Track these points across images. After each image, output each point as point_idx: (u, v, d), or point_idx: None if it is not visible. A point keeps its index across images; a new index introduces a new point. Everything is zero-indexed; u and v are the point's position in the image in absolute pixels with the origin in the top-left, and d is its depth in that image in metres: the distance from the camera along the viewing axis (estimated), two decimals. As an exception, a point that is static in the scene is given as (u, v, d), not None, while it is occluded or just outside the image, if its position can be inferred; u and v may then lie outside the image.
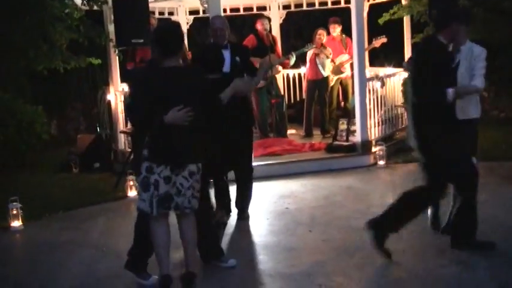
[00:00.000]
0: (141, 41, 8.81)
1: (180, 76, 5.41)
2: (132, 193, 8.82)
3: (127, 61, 9.80)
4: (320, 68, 11.64)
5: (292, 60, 11.55)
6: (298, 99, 13.47)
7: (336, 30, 11.91)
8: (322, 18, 12.47)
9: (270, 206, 8.16)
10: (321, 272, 5.93)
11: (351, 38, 10.43)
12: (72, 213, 8.47)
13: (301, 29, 11.75)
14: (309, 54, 11.70)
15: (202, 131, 5.45)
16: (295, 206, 8.13)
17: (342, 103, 12.29)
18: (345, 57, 11.74)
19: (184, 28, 11.99)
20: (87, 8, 10.14)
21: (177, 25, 5.72)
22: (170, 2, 11.83)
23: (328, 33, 11.95)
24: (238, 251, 6.42)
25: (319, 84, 11.81)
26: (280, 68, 11.98)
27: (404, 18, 12.08)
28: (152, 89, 5.32)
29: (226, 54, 7.17)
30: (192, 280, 5.50)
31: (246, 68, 7.26)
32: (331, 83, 11.88)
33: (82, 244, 7.17)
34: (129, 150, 10.03)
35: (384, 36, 11.75)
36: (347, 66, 11.81)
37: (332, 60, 11.69)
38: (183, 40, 5.59)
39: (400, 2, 11.96)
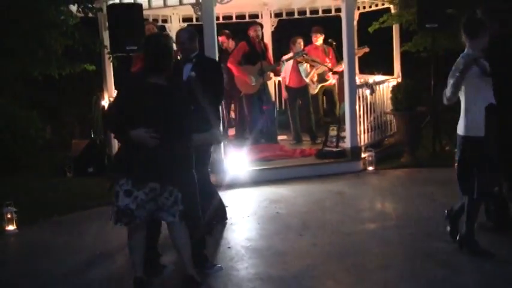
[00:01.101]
0: (135, 48, 8.83)
1: (160, 94, 5.37)
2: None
3: (130, 67, 9.76)
4: (303, 74, 11.66)
5: (283, 67, 11.57)
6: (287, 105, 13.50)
7: (319, 39, 11.93)
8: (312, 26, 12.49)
9: (261, 210, 8.18)
10: (311, 275, 5.95)
11: (342, 46, 10.45)
12: (67, 217, 8.45)
13: (292, 37, 11.78)
14: (290, 61, 11.66)
15: (173, 150, 5.41)
16: (286, 210, 8.14)
17: (328, 107, 12.30)
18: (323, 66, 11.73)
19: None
20: (82, 15, 10.14)
21: (168, 43, 5.69)
22: (164, 10, 11.84)
23: (311, 42, 11.98)
24: (229, 254, 6.43)
25: (301, 91, 11.81)
26: (271, 74, 12.00)
27: (394, 26, 12.12)
28: (131, 101, 5.34)
29: (187, 68, 6.78)
30: (191, 282, 5.61)
31: (204, 83, 6.53)
32: (315, 91, 11.90)
33: (76, 248, 7.16)
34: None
35: (366, 46, 11.78)
36: (330, 74, 11.83)
37: (318, 68, 11.69)
38: (171, 58, 5.56)
39: (390, 10, 12.01)
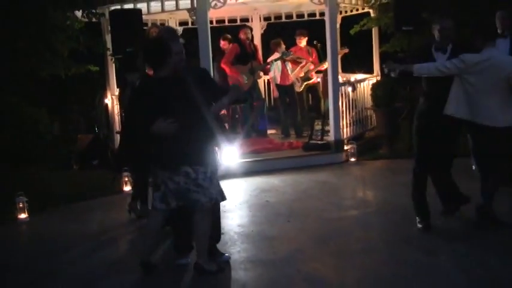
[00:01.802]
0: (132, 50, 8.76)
1: (169, 85, 5.34)
2: (127, 188, 8.79)
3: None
4: (290, 71, 11.64)
5: (273, 67, 11.56)
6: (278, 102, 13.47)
7: (302, 41, 11.88)
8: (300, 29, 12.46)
9: (253, 199, 8.16)
10: (299, 258, 5.94)
11: (326, 47, 10.41)
12: (73, 206, 8.42)
13: (273, 40, 11.80)
14: (278, 63, 11.64)
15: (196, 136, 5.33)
16: (275, 199, 8.13)
17: (312, 103, 12.27)
18: (311, 66, 11.72)
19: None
20: (86, 20, 10.09)
21: (159, 39, 5.63)
22: (162, 15, 11.78)
23: (295, 43, 11.96)
24: (223, 239, 6.39)
25: (288, 88, 11.81)
26: (261, 73, 11.97)
27: (373, 29, 12.10)
28: (152, 98, 5.32)
29: None
30: (200, 269, 5.57)
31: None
32: (300, 89, 11.87)
33: (82, 234, 7.14)
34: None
35: (346, 47, 11.75)
36: (314, 72, 11.81)
37: (299, 65, 11.66)
38: (169, 53, 5.40)
39: (369, 14, 11.98)
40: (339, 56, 11.77)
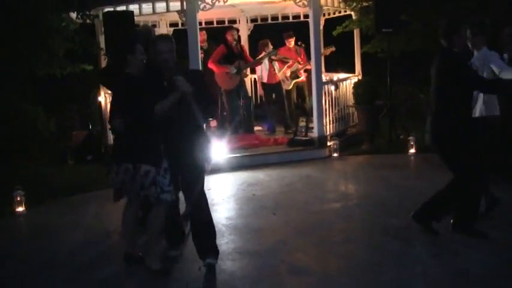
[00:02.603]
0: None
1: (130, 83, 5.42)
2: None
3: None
4: (277, 70, 11.68)
5: (266, 66, 11.65)
6: (264, 100, 13.51)
7: (292, 42, 11.95)
8: (285, 30, 12.49)
9: (240, 192, 8.19)
10: (283, 249, 5.98)
11: (309, 48, 10.46)
12: (69, 199, 8.42)
13: (261, 40, 11.85)
14: (266, 61, 11.70)
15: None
16: (261, 192, 8.17)
17: (298, 101, 12.29)
18: (299, 65, 11.77)
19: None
20: (81, 21, 10.08)
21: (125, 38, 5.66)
22: (153, 16, 11.77)
23: (284, 44, 12.00)
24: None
25: (275, 87, 11.86)
26: (248, 72, 12.00)
27: (355, 31, 12.15)
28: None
29: None
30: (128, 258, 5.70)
31: None
32: (289, 87, 11.91)
33: (77, 226, 7.15)
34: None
35: (333, 46, 11.80)
36: (302, 71, 11.86)
37: (286, 65, 11.71)
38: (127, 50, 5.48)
39: (351, 17, 12.03)
40: (327, 54, 11.84)
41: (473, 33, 6.38)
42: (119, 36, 7.72)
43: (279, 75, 11.70)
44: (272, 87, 11.92)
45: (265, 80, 11.93)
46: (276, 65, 11.65)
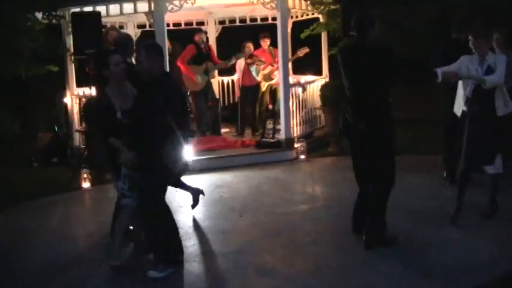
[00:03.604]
0: (93, 51, 8.69)
1: None
2: (86, 185, 8.72)
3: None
4: (254, 74, 11.68)
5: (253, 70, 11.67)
6: (231, 101, 13.51)
7: (267, 43, 11.98)
8: (253, 33, 12.52)
9: (207, 194, 8.11)
10: (251, 251, 5.98)
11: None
12: (34, 203, 8.31)
13: (235, 41, 11.83)
14: (242, 63, 11.73)
15: None
16: (228, 194, 8.16)
17: (270, 106, 12.31)
18: (273, 67, 11.80)
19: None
20: (47, 21, 9.97)
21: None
22: (121, 18, 11.69)
23: (259, 45, 12.02)
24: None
25: (253, 89, 11.85)
26: (216, 73, 11.97)
27: (322, 33, 12.20)
28: None
29: None
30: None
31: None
32: (263, 89, 11.93)
33: (42, 230, 7.05)
34: (83, 147, 9.94)
35: (307, 46, 11.85)
36: (276, 73, 11.87)
37: (265, 66, 11.73)
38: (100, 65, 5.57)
39: (319, 20, 12.08)
40: (302, 55, 11.86)
41: (475, 37, 6.33)
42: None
43: (256, 78, 11.70)
44: (247, 89, 11.88)
45: (241, 82, 11.94)
46: (254, 67, 11.63)
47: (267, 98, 12.15)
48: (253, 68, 11.65)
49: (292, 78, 11.43)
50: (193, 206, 7.30)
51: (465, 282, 5.07)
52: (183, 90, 5.96)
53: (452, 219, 6.36)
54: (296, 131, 10.71)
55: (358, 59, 5.84)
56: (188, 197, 7.71)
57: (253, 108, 11.85)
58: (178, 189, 7.24)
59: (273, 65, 11.72)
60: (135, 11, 9.95)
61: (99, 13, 9.35)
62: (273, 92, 12.17)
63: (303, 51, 11.76)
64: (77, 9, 9.97)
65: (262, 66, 11.64)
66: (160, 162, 5.30)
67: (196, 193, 7.31)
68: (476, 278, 5.15)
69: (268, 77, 11.84)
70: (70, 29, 9.37)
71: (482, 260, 5.50)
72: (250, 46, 11.71)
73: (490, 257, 5.56)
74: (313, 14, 12.07)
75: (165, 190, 5.55)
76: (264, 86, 11.89)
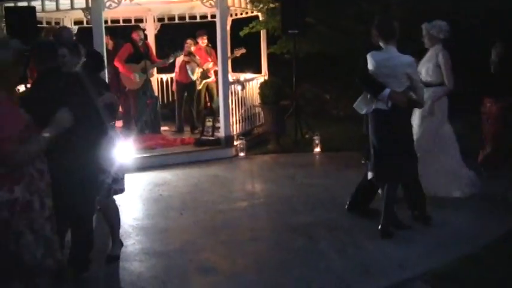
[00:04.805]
0: (28, 47, 8.48)
1: None
2: None
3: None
4: (190, 73, 11.65)
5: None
6: (170, 99, 13.44)
7: (204, 41, 11.96)
8: (192, 30, 12.47)
9: (146, 193, 8.09)
10: (191, 249, 5.95)
11: (217, 48, 10.47)
12: None
13: (174, 39, 11.75)
14: (179, 60, 11.68)
15: None
16: (168, 192, 8.10)
17: (209, 104, 12.31)
18: (210, 64, 11.80)
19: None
20: (-23, 16, 9.71)
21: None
22: (57, 13, 11.45)
23: (197, 43, 11.98)
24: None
25: (188, 86, 11.84)
26: (154, 72, 11.89)
27: (262, 31, 12.26)
28: None
29: None
30: None
31: None
32: (199, 87, 11.90)
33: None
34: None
35: (243, 47, 11.88)
36: (213, 71, 11.87)
37: (200, 66, 11.72)
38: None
39: (258, 18, 12.13)
40: (238, 56, 11.90)
41: None
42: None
43: (192, 77, 11.66)
44: (183, 86, 11.86)
45: (178, 78, 11.88)
46: (191, 66, 11.59)
47: (203, 95, 12.15)
48: (188, 67, 11.63)
49: (231, 76, 11.44)
50: None
51: (399, 275, 5.18)
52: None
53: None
54: (235, 128, 10.72)
55: None
56: (128, 194, 7.63)
57: (190, 106, 11.83)
58: None
59: (208, 64, 11.70)
60: (72, 7, 9.75)
61: (34, 8, 9.14)
62: (210, 90, 12.17)
63: (239, 52, 11.81)
64: (11, 4, 9.72)
65: (197, 69, 11.64)
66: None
67: None
68: (410, 272, 5.27)
69: (204, 75, 11.82)
70: (3, 25, 9.15)
71: (420, 253, 5.63)
72: (191, 43, 11.68)
73: (425, 251, 5.70)
74: (252, 12, 12.10)
75: None
76: (200, 84, 11.87)
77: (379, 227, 6.02)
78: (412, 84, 5.94)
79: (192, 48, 11.70)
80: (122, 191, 5.81)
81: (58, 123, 3.88)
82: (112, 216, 5.81)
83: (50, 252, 3.94)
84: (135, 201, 7.73)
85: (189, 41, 11.72)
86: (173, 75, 12.82)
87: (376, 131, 5.99)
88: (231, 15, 12.12)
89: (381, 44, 6.00)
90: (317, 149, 10.19)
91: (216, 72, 11.22)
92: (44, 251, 3.87)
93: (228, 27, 11.50)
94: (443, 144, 7.07)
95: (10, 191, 3.67)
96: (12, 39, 4.10)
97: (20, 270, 3.78)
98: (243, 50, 11.81)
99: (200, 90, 11.98)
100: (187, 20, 13.17)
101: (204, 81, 11.87)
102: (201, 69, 11.72)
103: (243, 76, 12.22)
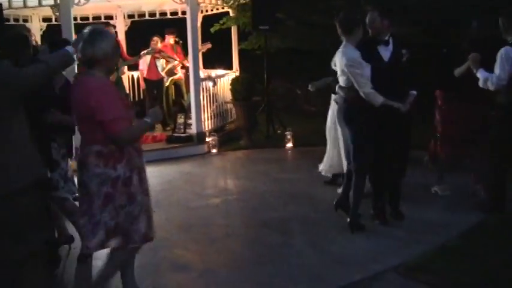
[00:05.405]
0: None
1: None
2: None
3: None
4: (160, 69, 11.59)
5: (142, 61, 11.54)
6: (142, 97, 13.34)
7: (170, 38, 11.88)
8: (162, 27, 12.39)
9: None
10: (164, 246, 5.91)
11: (187, 45, 10.42)
12: None
13: (145, 36, 11.67)
14: (148, 57, 11.57)
15: None
16: (141, 190, 8.03)
17: (178, 101, 12.24)
18: (175, 62, 11.73)
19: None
20: None
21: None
22: (24, 10, 11.28)
23: (163, 40, 11.91)
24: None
25: (157, 83, 11.76)
26: (125, 69, 11.79)
27: (232, 28, 12.24)
28: None
29: None
30: None
31: None
32: (167, 83, 11.84)
33: None
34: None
35: (209, 42, 11.82)
36: (179, 68, 11.80)
37: (168, 62, 11.65)
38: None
39: (229, 14, 12.10)
40: (204, 51, 11.85)
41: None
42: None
43: (162, 74, 11.60)
44: (152, 84, 11.79)
45: (145, 75, 11.80)
46: (161, 62, 11.52)
47: (171, 92, 12.09)
48: (159, 63, 11.55)
49: (202, 73, 11.40)
50: None
51: (373, 268, 5.22)
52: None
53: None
54: (207, 125, 10.70)
55: None
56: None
57: (160, 103, 11.76)
58: None
59: (175, 60, 11.64)
60: (40, 4, 9.60)
61: (0, 5, 8.99)
62: (178, 86, 12.12)
63: (205, 47, 11.75)
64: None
65: (172, 63, 11.55)
66: None
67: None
68: (383, 264, 5.30)
69: (171, 72, 11.76)
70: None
71: (392, 245, 5.68)
72: (157, 40, 11.59)
73: (398, 243, 5.74)
74: (223, 8, 12.08)
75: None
76: (167, 81, 11.81)
77: (348, 220, 6.06)
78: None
79: (159, 45, 11.62)
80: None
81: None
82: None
83: (150, 224, 4.48)
84: (108, 199, 7.66)
85: (155, 38, 11.63)
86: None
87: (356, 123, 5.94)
88: (202, 12, 12.07)
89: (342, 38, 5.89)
90: (289, 145, 10.21)
91: (187, 69, 11.16)
92: (146, 223, 4.40)
93: (199, 24, 11.46)
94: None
95: (114, 168, 4.14)
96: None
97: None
98: (209, 45, 11.75)
99: (168, 87, 11.92)
100: (157, 16, 13.10)
101: (170, 78, 11.80)
102: (167, 67, 11.63)
103: (214, 72, 12.19)
